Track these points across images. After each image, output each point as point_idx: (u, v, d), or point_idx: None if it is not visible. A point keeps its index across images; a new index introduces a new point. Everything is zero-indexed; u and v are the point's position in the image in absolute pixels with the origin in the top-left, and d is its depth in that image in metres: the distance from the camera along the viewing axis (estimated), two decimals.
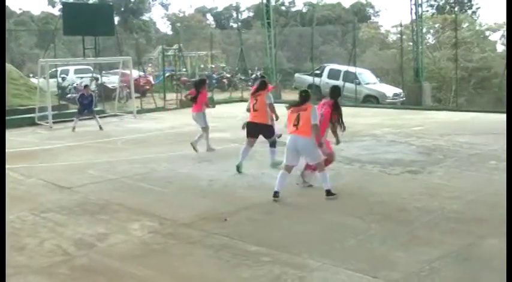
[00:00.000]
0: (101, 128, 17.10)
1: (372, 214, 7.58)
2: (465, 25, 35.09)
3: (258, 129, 10.66)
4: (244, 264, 5.82)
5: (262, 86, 10.81)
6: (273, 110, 10.73)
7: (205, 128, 12.74)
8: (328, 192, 8.42)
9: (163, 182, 9.72)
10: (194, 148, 12.44)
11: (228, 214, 7.65)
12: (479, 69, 30.33)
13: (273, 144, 10.84)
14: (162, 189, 9.25)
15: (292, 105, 8.67)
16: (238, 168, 10.34)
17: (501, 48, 34.63)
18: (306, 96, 8.64)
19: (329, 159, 9.06)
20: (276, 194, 8.38)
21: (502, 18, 34.12)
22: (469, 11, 43.75)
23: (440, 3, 43.94)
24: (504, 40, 34.44)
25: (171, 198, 8.75)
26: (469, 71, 29.89)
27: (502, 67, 22.44)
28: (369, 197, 8.54)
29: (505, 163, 10.74)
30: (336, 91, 9.35)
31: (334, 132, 9.08)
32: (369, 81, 26.29)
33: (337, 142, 9.18)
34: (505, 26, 30.54)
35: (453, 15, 32.85)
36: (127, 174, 10.42)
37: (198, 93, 12.71)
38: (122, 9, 50.98)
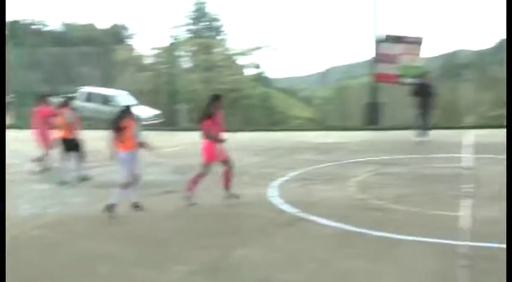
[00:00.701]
0: None
1: (129, 238, 7.55)
2: (217, 49, 36.94)
3: None
4: None
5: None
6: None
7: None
8: (110, 207, 8.50)
9: None
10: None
11: None
12: (231, 91, 32.10)
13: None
14: None
15: (113, 121, 8.79)
16: None
17: (251, 71, 37.10)
18: (125, 112, 8.81)
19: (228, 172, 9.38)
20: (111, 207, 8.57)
21: (249, 44, 36.66)
22: (221, 37, 46.18)
23: (196, 28, 45.74)
24: (254, 63, 37.03)
25: None
26: (221, 93, 31.44)
27: (250, 89, 24.02)
28: (124, 220, 8.47)
29: (248, 178, 11.51)
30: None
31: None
32: (126, 103, 26.18)
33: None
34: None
35: (207, 40, 34.45)
36: None
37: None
38: None
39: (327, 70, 37.76)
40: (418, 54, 22.16)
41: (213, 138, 9.19)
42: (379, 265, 6.15)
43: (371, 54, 23.49)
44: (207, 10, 44.88)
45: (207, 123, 9.19)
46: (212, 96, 9.64)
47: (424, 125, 17.35)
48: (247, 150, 15.61)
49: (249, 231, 7.67)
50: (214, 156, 9.25)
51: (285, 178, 11.44)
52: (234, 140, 18.24)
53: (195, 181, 9.35)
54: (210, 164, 9.29)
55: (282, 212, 8.67)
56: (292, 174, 11.89)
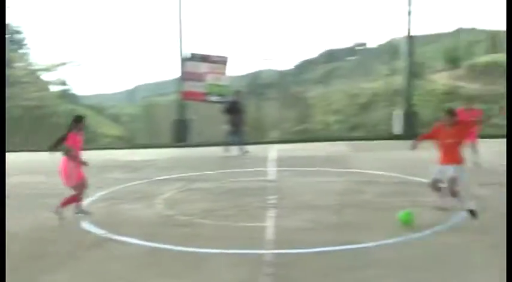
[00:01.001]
0: None
1: None
2: (20, 64, 35.09)
3: None
4: None
5: None
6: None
7: None
8: None
9: None
10: None
11: None
12: (36, 108, 30.65)
13: None
14: None
15: None
16: None
17: (56, 88, 35.72)
18: None
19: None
20: None
21: (54, 60, 35.34)
22: (24, 51, 43.76)
23: None
24: (60, 79, 35.72)
25: None
26: (24, 110, 29.93)
27: (56, 106, 23.11)
28: None
29: (56, 200, 11.03)
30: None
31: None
32: None
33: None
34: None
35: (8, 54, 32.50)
36: None
37: None
38: None
39: (135, 87, 37.53)
40: (223, 73, 22.96)
41: (74, 160, 9.16)
42: (185, 281, 6.24)
43: (178, 72, 23.86)
44: (7, 21, 42.21)
45: (67, 143, 9.13)
46: (74, 117, 9.50)
47: (238, 141, 18.09)
48: (52, 170, 14.92)
49: (56, 256, 7.34)
50: (70, 178, 9.26)
51: (93, 198, 11.14)
52: (39, 161, 17.48)
53: (70, 201, 9.41)
54: (77, 184, 9.26)
55: (89, 233, 8.44)
56: (100, 193, 11.63)
